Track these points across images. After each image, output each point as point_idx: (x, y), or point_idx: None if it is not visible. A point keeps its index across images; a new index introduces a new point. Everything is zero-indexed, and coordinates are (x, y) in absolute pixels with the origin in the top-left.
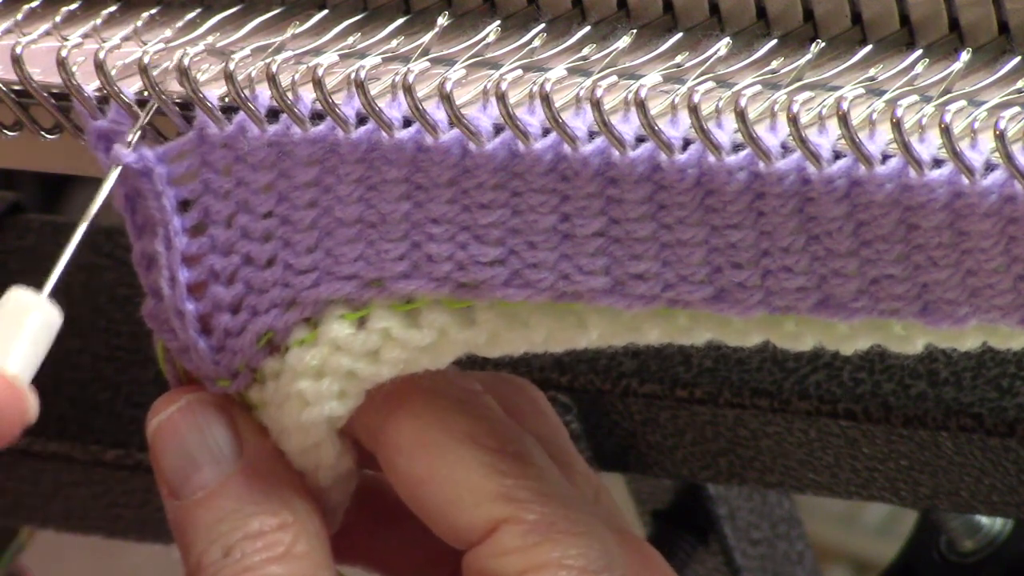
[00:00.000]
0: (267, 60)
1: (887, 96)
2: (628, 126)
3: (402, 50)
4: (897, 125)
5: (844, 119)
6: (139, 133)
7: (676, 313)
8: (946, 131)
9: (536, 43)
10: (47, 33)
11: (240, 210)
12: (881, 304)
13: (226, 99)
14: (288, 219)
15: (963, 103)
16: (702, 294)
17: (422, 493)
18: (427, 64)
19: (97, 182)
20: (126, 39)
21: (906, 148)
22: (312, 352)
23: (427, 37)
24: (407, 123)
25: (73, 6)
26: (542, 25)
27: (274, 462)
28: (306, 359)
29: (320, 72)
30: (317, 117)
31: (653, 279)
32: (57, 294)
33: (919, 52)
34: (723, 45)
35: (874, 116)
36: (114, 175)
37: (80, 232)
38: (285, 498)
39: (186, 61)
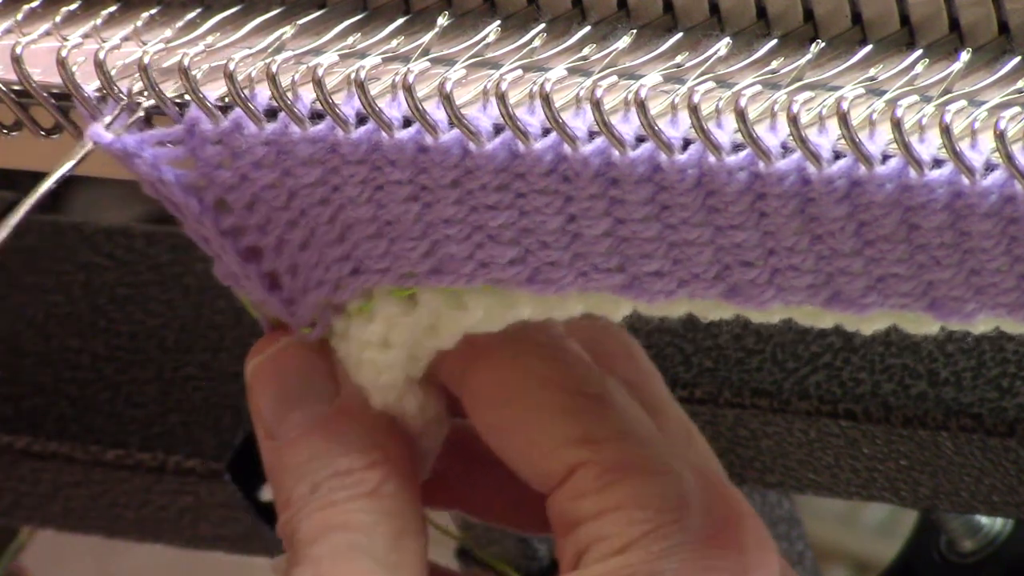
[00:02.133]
0: (267, 60)
1: (887, 96)
2: (628, 126)
3: (402, 50)
4: (897, 125)
5: (844, 119)
6: (123, 117)
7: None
8: (946, 131)
9: (536, 43)
10: (47, 33)
11: (256, 200)
12: (890, 300)
13: (226, 99)
14: (306, 213)
15: (963, 103)
16: (717, 291)
17: (504, 440)
18: (427, 64)
19: (97, 182)
20: (126, 39)
21: (906, 148)
22: (372, 327)
23: (427, 37)
24: (407, 123)
25: (73, 6)
26: (542, 25)
27: (366, 405)
28: (367, 332)
29: (320, 72)
30: (316, 117)
31: (668, 276)
32: (57, 294)
33: (919, 52)
34: (723, 45)
35: (874, 116)
36: (81, 152)
37: (36, 195)
38: (376, 440)
39: (186, 61)
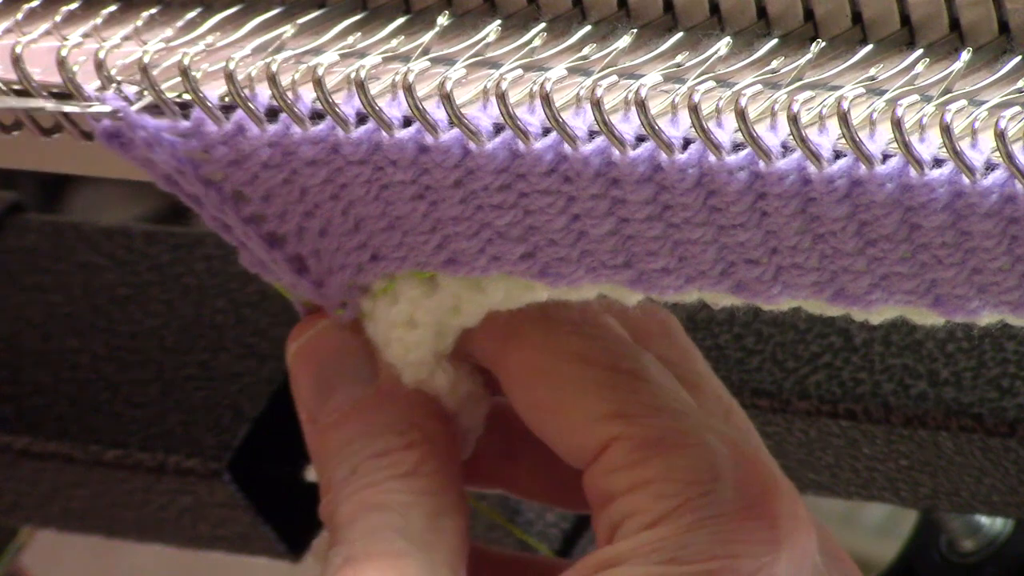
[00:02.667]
0: (267, 60)
1: (887, 96)
2: (628, 126)
3: (402, 50)
4: (897, 125)
5: (844, 118)
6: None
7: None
8: (947, 131)
9: (536, 43)
10: (47, 33)
11: (271, 193)
12: (895, 297)
13: (226, 99)
14: (320, 206)
15: (964, 103)
16: (724, 287)
17: (540, 417)
18: (427, 64)
19: (97, 182)
20: (126, 39)
21: (906, 148)
22: (396, 308)
23: (427, 37)
24: (407, 123)
25: (73, 6)
26: (542, 25)
27: (404, 387)
28: (393, 313)
29: (320, 72)
30: (317, 117)
31: (675, 273)
32: (57, 294)
33: (919, 52)
34: (723, 45)
35: (874, 116)
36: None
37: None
38: (415, 420)
39: (186, 61)
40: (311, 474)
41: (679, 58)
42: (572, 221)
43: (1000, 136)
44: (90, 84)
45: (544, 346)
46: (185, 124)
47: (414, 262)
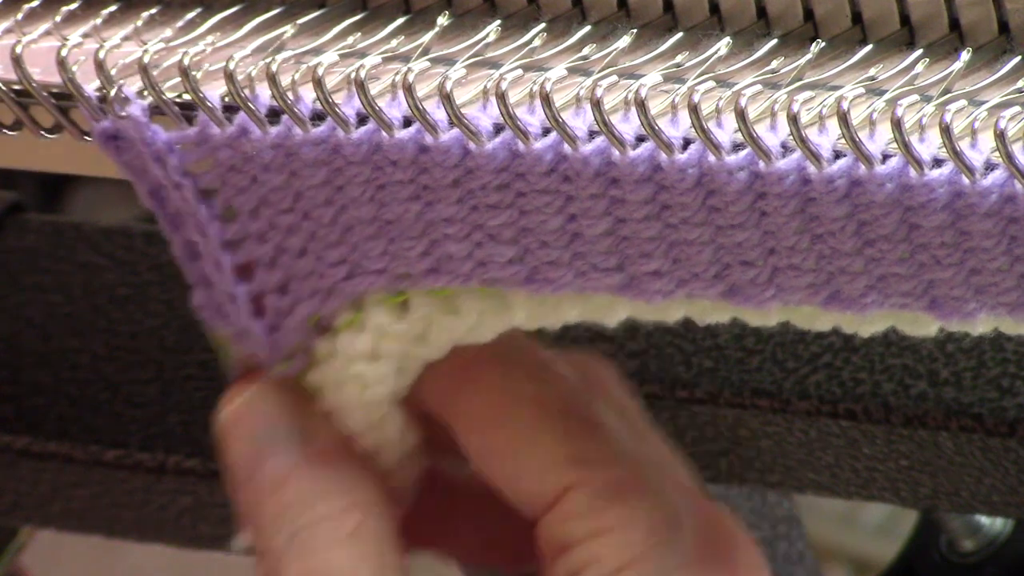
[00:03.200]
0: (267, 60)
1: (887, 96)
2: (628, 126)
3: (402, 50)
4: (897, 125)
5: (844, 119)
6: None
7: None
8: (946, 131)
9: (536, 43)
10: (47, 33)
11: (262, 204)
12: (891, 299)
13: (226, 99)
14: (309, 215)
15: (963, 103)
16: (716, 290)
17: (494, 462)
18: (427, 64)
19: (97, 182)
20: (126, 39)
21: (906, 148)
22: (361, 337)
23: (427, 37)
24: (407, 123)
25: (73, 6)
26: (542, 25)
27: (341, 447)
28: (356, 344)
29: (320, 72)
30: (318, 118)
31: (667, 276)
32: (57, 294)
33: (919, 52)
34: (723, 45)
35: (874, 116)
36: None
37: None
38: (352, 482)
39: (186, 61)
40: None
41: (679, 58)
42: (568, 221)
43: (1000, 136)
44: (90, 84)
45: (501, 389)
46: (191, 131)
47: (393, 275)
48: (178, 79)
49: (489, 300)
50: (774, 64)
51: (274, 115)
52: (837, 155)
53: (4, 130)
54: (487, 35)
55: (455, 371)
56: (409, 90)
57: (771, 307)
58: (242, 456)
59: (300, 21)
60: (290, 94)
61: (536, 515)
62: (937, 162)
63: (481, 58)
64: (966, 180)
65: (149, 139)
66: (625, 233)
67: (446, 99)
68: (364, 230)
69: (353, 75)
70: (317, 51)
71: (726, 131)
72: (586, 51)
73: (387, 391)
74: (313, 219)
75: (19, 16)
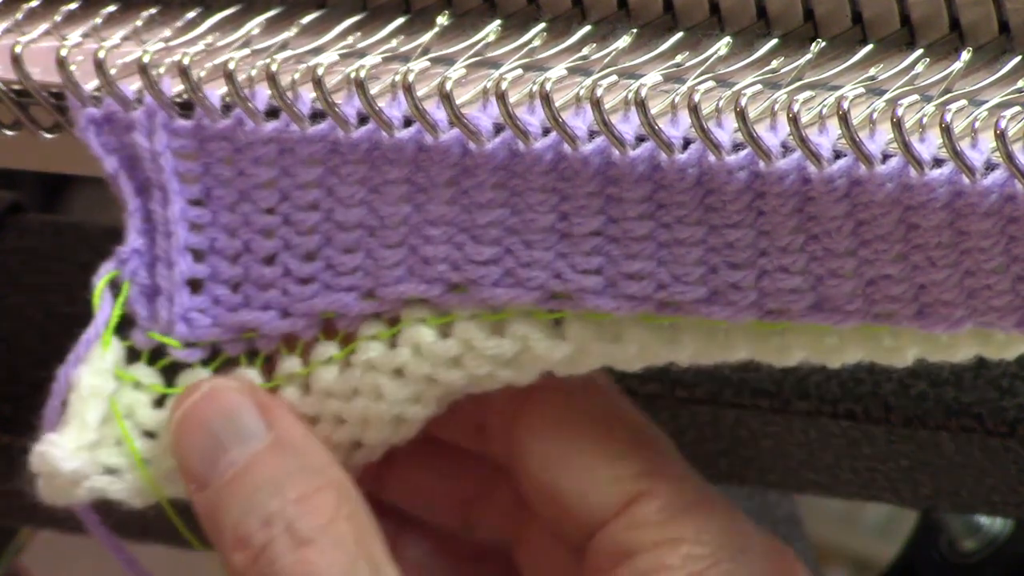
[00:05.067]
0: (267, 60)
1: (887, 96)
2: (628, 126)
3: (402, 50)
4: (898, 124)
5: (844, 118)
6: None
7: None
8: (947, 130)
9: (536, 43)
10: (47, 32)
11: (241, 199)
12: (876, 307)
13: (227, 98)
14: (289, 219)
15: (964, 102)
16: (695, 295)
17: (559, 471)
18: (427, 63)
19: (97, 182)
20: (126, 39)
21: (906, 147)
22: (394, 352)
23: (427, 37)
24: (407, 123)
25: (73, 6)
26: (542, 25)
27: (305, 436)
28: (387, 358)
29: (320, 72)
30: (318, 116)
31: (647, 279)
32: (57, 294)
33: (919, 52)
34: (723, 45)
35: (874, 115)
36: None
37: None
38: (321, 465)
39: (186, 61)
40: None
41: (679, 58)
42: (559, 220)
43: (1000, 136)
44: (89, 84)
45: (568, 405)
46: (188, 122)
47: (360, 293)
48: (178, 79)
49: (540, 327)
50: (774, 64)
51: (271, 114)
52: (837, 155)
53: (4, 130)
54: (487, 35)
55: (515, 391)
56: (409, 90)
57: (746, 316)
58: (196, 455)
59: (300, 21)
60: (290, 94)
61: (595, 527)
62: (937, 162)
63: (481, 58)
64: (966, 180)
65: (146, 109)
66: (614, 233)
67: (446, 99)
68: (343, 239)
69: (353, 75)
70: (317, 51)
71: (726, 131)
72: (586, 51)
73: (395, 412)
74: (292, 224)
75: (19, 16)
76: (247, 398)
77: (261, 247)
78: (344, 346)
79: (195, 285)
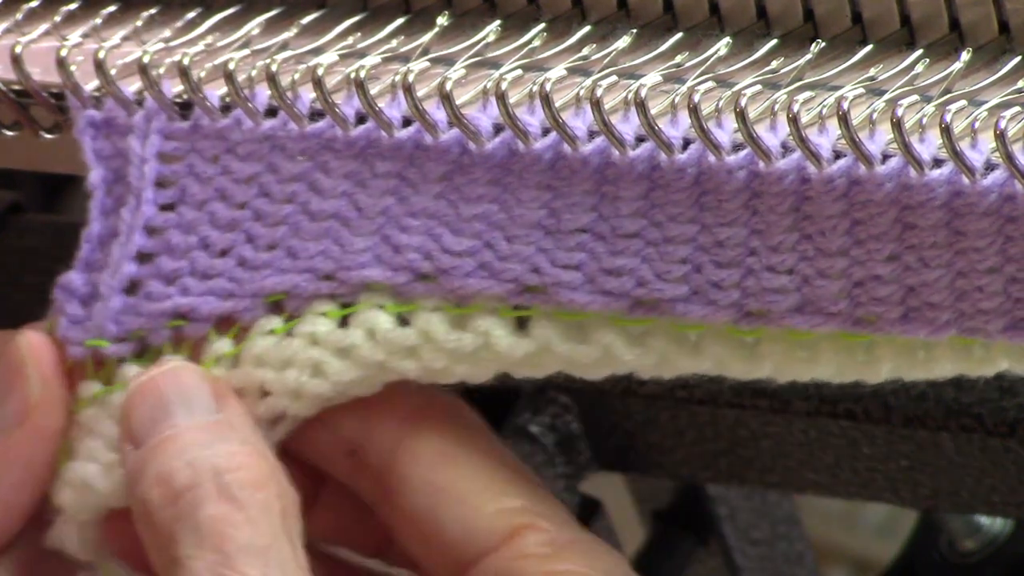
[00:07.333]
0: (267, 60)
1: (887, 96)
2: (628, 126)
3: (402, 50)
4: (897, 125)
5: (844, 119)
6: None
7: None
8: (946, 131)
9: (536, 43)
10: (47, 33)
11: (215, 197)
12: (860, 309)
13: (227, 98)
14: (260, 212)
15: (963, 103)
16: (675, 292)
17: (442, 498)
18: (427, 64)
19: None
20: (126, 39)
21: (906, 148)
22: (343, 332)
23: (427, 37)
24: (407, 122)
25: (73, 6)
26: (542, 25)
27: (254, 430)
28: (335, 336)
29: (320, 72)
30: (316, 115)
31: (627, 275)
32: None
33: (919, 52)
34: (723, 45)
35: (874, 116)
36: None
37: None
38: (264, 450)
39: (186, 61)
40: None
41: (679, 58)
42: (547, 216)
43: (1000, 136)
44: (89, 84)
45: (455, 435)
46: (185, 124)
47: (315, 275)
48: (177, 79)
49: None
50: (774, 64)
51: (270, 114)
52: (837, 155)
53: (4, 130)
54: (487, 35)
55: (405, 410)
56: (409, 90)
57: (724, 316)
58: (147, 413)
59: (301, 21)
60: (289, 94)
61: (476, 553)
62: (937, 162)
63: (481, 58)
64: (966, 180)
65: (145, 112)
66: (601, 230)
67: (446, 99)
68: (311, 229)
69: (353, 75)
70: (317, 51)
71: (726, 131)
72: (586, 51)
73: (334, 390)
74: (261, 218)
75: (19, 16)
76: (206, 383)
77: (218, 241)
78: (288, 322)
79: (133, 286)
